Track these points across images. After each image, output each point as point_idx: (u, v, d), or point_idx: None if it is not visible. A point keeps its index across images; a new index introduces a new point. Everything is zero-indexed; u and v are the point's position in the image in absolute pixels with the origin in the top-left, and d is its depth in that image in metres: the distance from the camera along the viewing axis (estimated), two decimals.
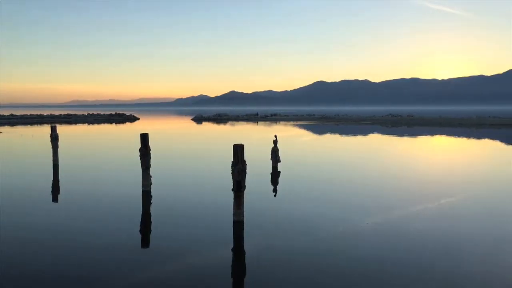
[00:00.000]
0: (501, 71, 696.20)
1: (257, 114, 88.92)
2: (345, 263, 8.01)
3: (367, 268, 7.75)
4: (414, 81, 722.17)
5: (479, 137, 39.59)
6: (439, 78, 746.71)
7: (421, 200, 12.88)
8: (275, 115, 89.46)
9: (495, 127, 52.48)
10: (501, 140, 36.69)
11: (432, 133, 44.16)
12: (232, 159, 10.18)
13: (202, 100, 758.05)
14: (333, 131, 48.48)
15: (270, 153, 18.56)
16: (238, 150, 10.13)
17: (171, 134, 46.61)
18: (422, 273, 7.51)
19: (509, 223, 10.77)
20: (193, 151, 28.24)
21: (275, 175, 17.28)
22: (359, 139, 38.07)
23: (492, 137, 39.63)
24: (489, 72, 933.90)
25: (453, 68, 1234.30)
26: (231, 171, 10.17)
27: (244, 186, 10.19)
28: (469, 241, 9.17)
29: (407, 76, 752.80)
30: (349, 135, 42.78)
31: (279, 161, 18.33)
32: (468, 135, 41.22)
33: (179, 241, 9.31)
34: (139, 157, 13.80)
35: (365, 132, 45.54)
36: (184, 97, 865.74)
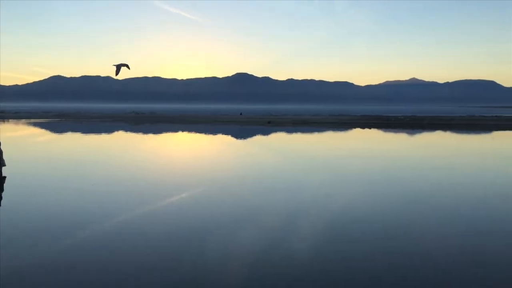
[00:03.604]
0: (230, 74, 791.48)
1: None
2: (85, 271, 7.36)
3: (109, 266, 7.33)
4: (157, 80, 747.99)
5: (214, 132, 43.76)
6: (180, 78, 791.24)
7: (169, 193, 13.20)
8: (2, 112, 77.64)
9: (225, 123, 59.09)
10: (232, 135, 41.55)
11: (175, 130, 46.41)
12: None
13: None
14: (74, 129, 45.25)
15: None
16: None
17: None
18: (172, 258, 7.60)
19: (245, 203, 12.07)
20: None
21: None
22: (103, 137, 36.68)
23: (225, 132, 44.43)
24: (221, 74, 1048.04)
25: (191, 69, 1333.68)
26: None
27: None
28: (214, 224, 9.83)
29: (150, 75, 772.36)
30: (92, 133, 40.77)
31: (4, 165, 15.74)
32: (206, 131, 45.03)
33: None
34: None
35: (109, 130, 44.24)
36: None
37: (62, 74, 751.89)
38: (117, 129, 45.50)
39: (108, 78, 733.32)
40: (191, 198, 13.02)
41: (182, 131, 44.84)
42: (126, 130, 45.52)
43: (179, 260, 7.99)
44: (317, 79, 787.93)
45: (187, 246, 8.73)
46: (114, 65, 17.35)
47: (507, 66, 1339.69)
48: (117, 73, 17.94)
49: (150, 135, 39.73)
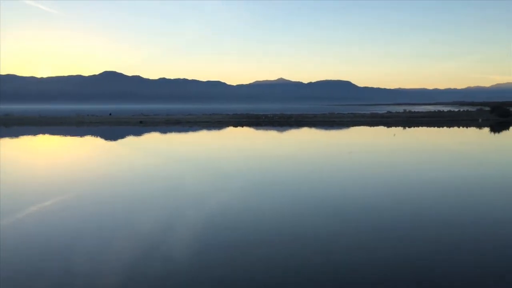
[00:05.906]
0: (97, 72, 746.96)
1: None
2: None
3: None
4: (11, 78, 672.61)
5: (82, 134, 41.04)
6: (39, 76, 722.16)
7: (24, 203, 12.07)
8: None
9: (93, 124, 55.77)
10: (101, 137, 39.42)
11: (35, 133, 42.36)
12: None
13: None
14: None
15: None
16: None
17: None
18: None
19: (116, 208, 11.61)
20: None
21: None
22: None
23: (93, 133, 41.96)
24: (86, 72, 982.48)
25: (53, 66, 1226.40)
26: None
27: None
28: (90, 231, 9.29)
29: (3, 72, 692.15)
30: None
31: None
32: (72, 133, 42.01)
33: None
34: None
35: None
36: None
37: None
38: None
39: None
40: (52, 207, 12.14)
41: (43, 134, 41.14)
42: None
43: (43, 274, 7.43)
44: (189, 78, 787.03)
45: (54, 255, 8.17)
46: None
47: (360, 68, 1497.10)
48: None
49: (5, 140, 35.68)
